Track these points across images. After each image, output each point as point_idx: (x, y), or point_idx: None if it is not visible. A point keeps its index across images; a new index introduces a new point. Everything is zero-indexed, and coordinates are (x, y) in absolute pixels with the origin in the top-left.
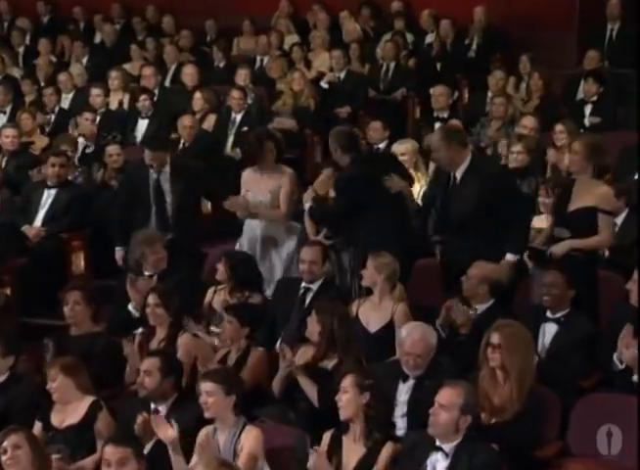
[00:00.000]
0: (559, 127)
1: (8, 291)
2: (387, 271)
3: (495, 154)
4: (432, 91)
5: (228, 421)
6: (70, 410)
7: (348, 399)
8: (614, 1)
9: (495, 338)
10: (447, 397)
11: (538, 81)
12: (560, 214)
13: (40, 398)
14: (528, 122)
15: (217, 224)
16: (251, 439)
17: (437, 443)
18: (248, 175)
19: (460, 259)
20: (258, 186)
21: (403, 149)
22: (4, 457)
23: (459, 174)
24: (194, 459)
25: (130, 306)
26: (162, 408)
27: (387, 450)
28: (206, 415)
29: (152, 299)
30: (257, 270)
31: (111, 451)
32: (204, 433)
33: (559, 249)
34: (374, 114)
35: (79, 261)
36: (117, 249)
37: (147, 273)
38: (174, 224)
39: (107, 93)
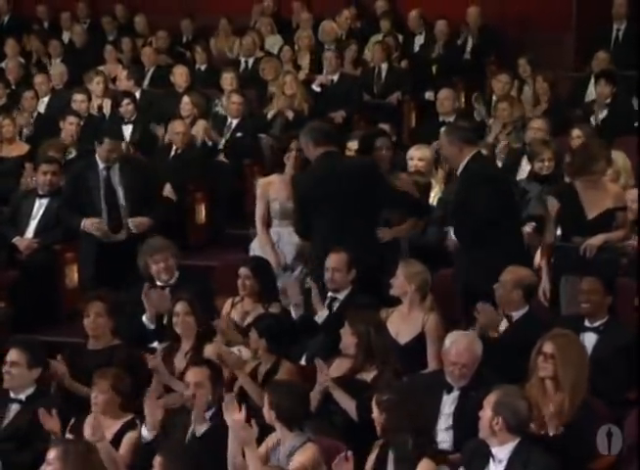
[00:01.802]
0: (576, 132)
1: (2, 305)
2: (417, 281)
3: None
4: (437, 95)
5: (286, 434)
6: (105, 426)
7: (374, 416)
8: (620, 0)
9: (549, 347)
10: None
11: (543, 84)
12: (575, 223)
13: (68, 411)
14: (537, 124)
15: (210, 234)
16: (302, 454)
17: (492, 449)
18: (272, 182)
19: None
20: (288, 194)
21: (421, 154)
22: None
23: (459, 171)
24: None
25: (144, 318)
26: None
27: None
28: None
29: (181, 307)
30: (275, 278)
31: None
32: (269, 441)
33: (596, 241)
34: (369, 118)
35: (73, 274)
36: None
37: (159, 283)
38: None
39: (89, 98)
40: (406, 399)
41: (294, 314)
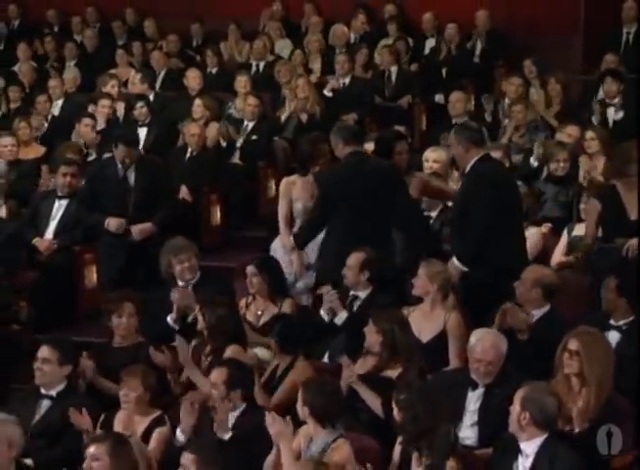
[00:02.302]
0: (589, 134)
1: (23, 304)
2: (439, 280)
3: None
4: (449, 97)
5: (319, 431)
6: (135, 422)
7: (394, 414)
8: (630, 4)
9: (574, 345)
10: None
11: (556, 86)
12: (617, 224)
13: (98, 407)
14: (573, 131)
15: (224, 235)
16: (337, 452)
17: (520, 444)
18: (295, 182)
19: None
20: (311, 194)
21: (436, 156)
22: (85, 465)
23: (465, 173)
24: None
25: (169, 318)
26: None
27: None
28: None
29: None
30: (282, 274)
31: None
32: (302, 435)
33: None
34: (381, 120)
35: (92, 275)
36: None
37: (181, 283)
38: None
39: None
40: (424, 398)
41: (326, 318)
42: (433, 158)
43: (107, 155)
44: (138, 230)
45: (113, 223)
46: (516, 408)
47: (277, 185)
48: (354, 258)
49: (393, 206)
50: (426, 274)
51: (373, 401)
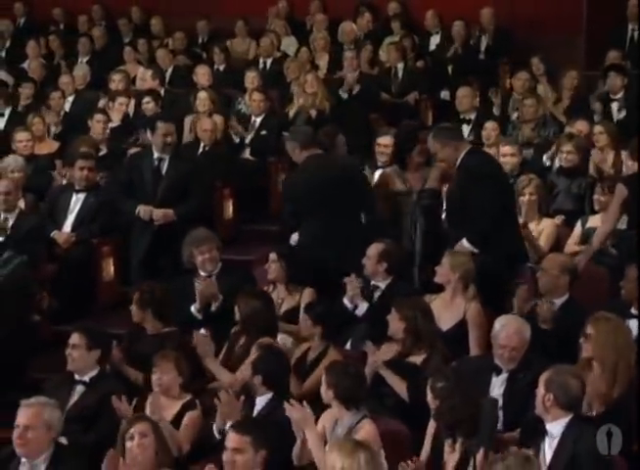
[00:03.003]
0: (598, 128)
1: (45, 294)
2: (461, 270)
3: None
4: (456, 93)
5: (344, 412)
6: (166, 406)
7: (428, 400)
8: (634, 1)
9: (589, 329)
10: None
11: (565, 81)
12: None
13: (132, 392)
14: (582, 126)
15: (236, 229)
16: (363, 432)
17: (546, 425)
18: None
19: None
20: None
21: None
22: (130, 443)
23: (456, 168)
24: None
25: (193, 308)
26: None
27: (480, 459)
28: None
29: None
30: (304, 266)
31: (231, 438)
32: (327, 418)
33: None
34: (388, 117)
35: (109, 268)
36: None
37: (202, 274)
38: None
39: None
40: (461, 387)
41: (349, 306)
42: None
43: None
44: (160, 213)
45: (142, 210)
46: (540, 391)
47: None
48: (373, 249)
49: (360, 199)
50: (449, 263)
51: (398, 385)
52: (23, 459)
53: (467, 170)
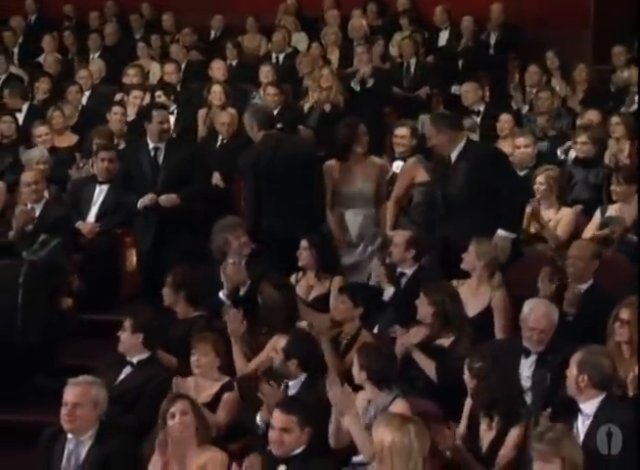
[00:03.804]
0: (615, 119)
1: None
2: (487, 258)
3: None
4: (461, 89)
5: (378, 392)
6: (205, 387)
7: (465, 380)
8: None
9: (625, 314)
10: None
11: (580, 74)
12: None
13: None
14: (593, 116)
15: None
16: (395, 408)
17: (580, 405)
18: (336, 167)
19: (457, 237)
20: (352, 178)
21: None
22: (172, 422)
23: (454, 157)
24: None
25: (221, 294)
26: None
27: (514, 434)
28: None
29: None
30: (334, 251)
31: (278, 417)
32: (358, 401)
33: None
34: (400, 110)
35: (132, 258)
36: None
37: (230, 260)
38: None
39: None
40: (497, 367)
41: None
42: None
43: None
44: (165, 198)
45: (144, 199)
46: (573, 372)
47: None
48: (400, 237)
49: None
50: (475, 251)
51: (428, 367)
52: (70, 436)
53: (473, 158)
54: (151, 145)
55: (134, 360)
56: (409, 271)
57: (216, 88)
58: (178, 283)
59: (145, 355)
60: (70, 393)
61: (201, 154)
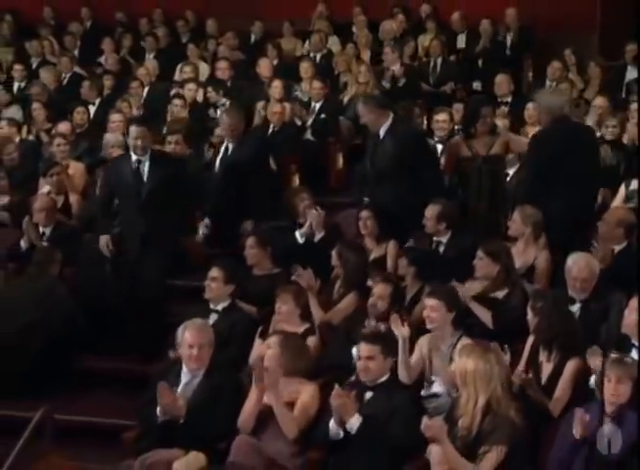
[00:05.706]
0: (634, 106)
1: None
2: (532, 222)
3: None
4: (494, 80)
5: (447, 332)
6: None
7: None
8: None
9: None
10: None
11: (595, 69)
12: None
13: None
14: (600, 102)
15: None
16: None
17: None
18: None
19: (385, 205)
20: None
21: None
22: (268, 352)
23: (382, 133)
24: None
25: (297, 233)
26: None
27: (570, 366)
28: (429, 327)
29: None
30: (389, 220)
31: (363, 348)
32: (424, 343)
33: None
34: (428, 104)
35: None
36: (101, 237)
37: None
38: (145, 212)
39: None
40: (556, 306)
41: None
42: (442, 118)
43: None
44: None
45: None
46: (632, 316)
47: (344, 158)
48: (431, 211)
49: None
50: (520, 217)
51: (484, 315)
52: (185, 370)
53: (400, 134)
54: (134, 157)
55: (219, 308)
56: (444, 239)
57: (276, 83)
58: (264, 240)
59: (227, 303)
60: (196, 335)
61: (180, 168)
